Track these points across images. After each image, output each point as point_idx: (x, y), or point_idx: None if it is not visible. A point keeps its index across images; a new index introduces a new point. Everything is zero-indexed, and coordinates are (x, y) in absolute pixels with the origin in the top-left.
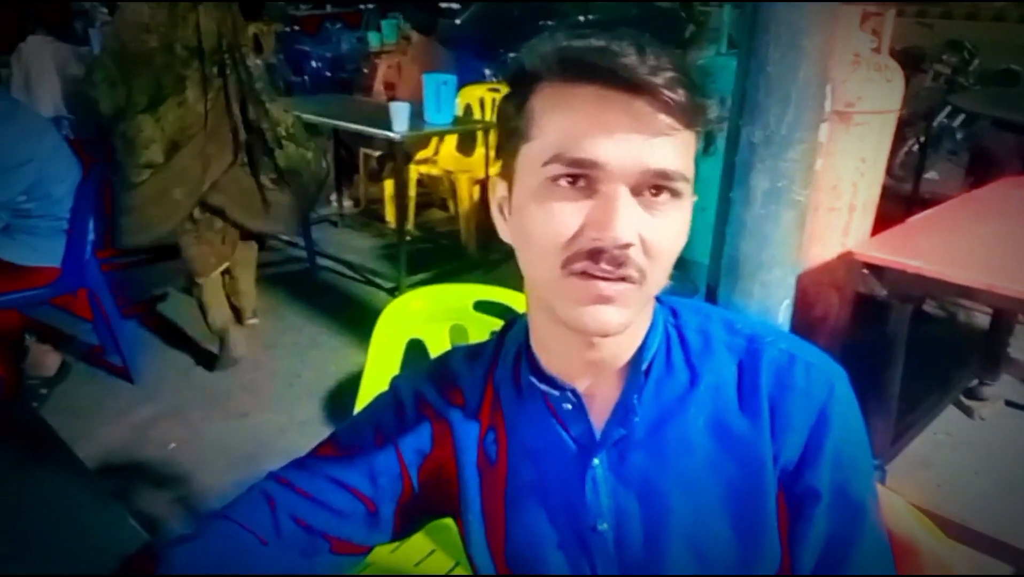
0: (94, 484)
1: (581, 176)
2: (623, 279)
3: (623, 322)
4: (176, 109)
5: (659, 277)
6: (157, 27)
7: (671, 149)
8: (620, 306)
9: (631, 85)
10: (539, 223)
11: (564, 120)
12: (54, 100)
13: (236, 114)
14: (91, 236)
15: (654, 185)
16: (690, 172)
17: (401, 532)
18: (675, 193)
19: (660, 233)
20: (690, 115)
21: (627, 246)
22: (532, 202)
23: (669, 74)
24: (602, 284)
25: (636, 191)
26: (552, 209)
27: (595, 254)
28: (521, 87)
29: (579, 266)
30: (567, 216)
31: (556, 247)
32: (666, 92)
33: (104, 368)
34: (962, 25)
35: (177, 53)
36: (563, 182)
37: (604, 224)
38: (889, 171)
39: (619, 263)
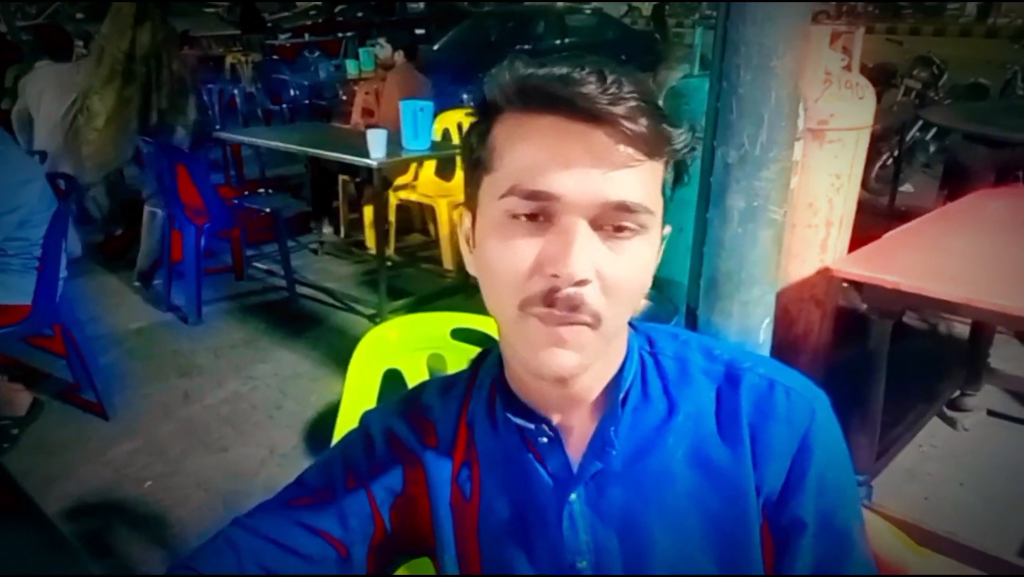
0: (54, 533)
1: (540, 211)
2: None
3: (580, 365)
4: (112, 94)
5: (619, 317)
6: (109, 37)
7: (633, 181)
8: (576, 350)
9: (590, 115)
10: (497, 257)
11: (522, 152)
12: (48, 127)
13: (153, 103)
14: (63, 273)
15: (616, 218)
16: (655, 204)
17: (375, 574)
18: (639, 227)
19: (620, 269)
20: (653, 145)
21: (583, 283)
22: (492, 235)
23: (631, 103)
24: (557, 328)
25: (596, 225)
26: (510, 244)
27: (550, 296)
28: (484, 117)
29: (535, 311)
30: (524, 251)
31: (514, 283)
32: (626, 123)
33: (79, 405)
34: (931, 41)
35: (115, 56)
36: (522, 217)
37: (560, 258)
38: (865, 185)
39: (574, 305)
